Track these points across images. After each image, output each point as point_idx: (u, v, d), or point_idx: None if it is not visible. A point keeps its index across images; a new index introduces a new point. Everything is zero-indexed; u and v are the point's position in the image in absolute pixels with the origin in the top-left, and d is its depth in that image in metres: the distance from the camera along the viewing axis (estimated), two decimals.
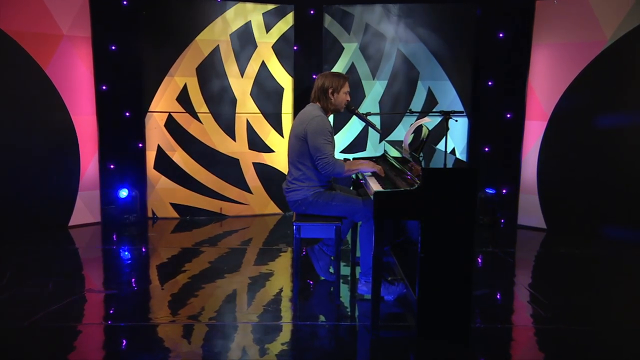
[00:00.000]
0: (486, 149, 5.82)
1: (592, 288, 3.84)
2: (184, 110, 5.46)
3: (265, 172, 5.78)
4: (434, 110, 5.56)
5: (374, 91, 5.77)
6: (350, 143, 5.85)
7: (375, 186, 3.11)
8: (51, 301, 3.38)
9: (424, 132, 3.39)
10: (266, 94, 5.66)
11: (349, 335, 3.05)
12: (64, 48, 4.95)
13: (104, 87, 5.44)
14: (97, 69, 5.22)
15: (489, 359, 2.80)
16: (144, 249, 4.67)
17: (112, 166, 5.66)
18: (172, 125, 5.47)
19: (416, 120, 3.51)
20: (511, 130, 5.61)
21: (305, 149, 3.36)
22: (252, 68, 5.56)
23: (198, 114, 5.48)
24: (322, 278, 3.81)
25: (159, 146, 5.49)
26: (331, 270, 3.77)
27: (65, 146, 5.08)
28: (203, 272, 4.00)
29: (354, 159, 3.87)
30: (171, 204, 5.61)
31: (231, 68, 5.49)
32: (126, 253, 4.52)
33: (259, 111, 5.65)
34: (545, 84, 5.17)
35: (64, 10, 4.91)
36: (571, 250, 4.66)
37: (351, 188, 3.92)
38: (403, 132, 5.64)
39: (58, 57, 4.93)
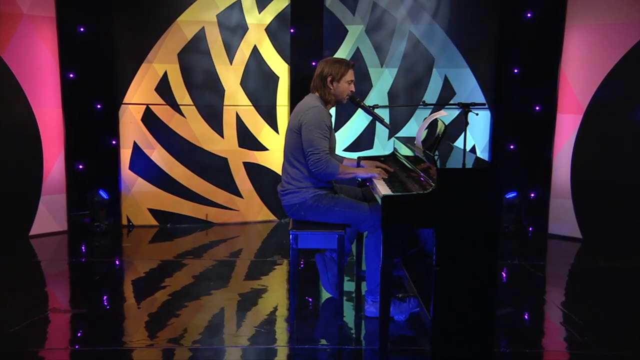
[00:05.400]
0: (511, 147, 5.82)
1: (635, 308, 3.83)
2: (163, 102, 5.46)
3: (258, 173, 5.78)
4: (451, 102, 5.57)
5: (383, 80, 5.78)
6: (355, 140, 5.85)
7: (383, 189, 3.11)
8: (9, 322, 3.37)
9: (440, 127, 3.39)
10: (259, 83, 5.67)
11: None
12: (24, 29, 4.95)
13: (70, 75, 5.45)
14: (63, 54, 5.22)
15: None
16: (117, 262, 4.67)
17: (80, 166, 5.66)
18: (150, 120, 5.47)
19: (431, 113, 3.51)
20: (540, 125, 5.61)
21: (301, 144, 3.37)
22: (243, 54, 5.57)
23: (180, 107, 5.49)
24: (329, 295, 3.80)
25: (135, 143, 5.49)
26: None
27: (26, 143, 5.07)
28: (186, 288, 4.00)
29: (359, 157, 3.87)
30: (149, 209, 5.61)
31: (218, 54, 5.49)
32: (97, 266, 4.51)
33: (250, 103, 5.66)
34: (581, 72, 5.16)
35: None
36: (611, 264, 4.65)
37: (357, 187, 3.91)
38: (415, 127, 5.64)
39: (17, 40, 4.92)
